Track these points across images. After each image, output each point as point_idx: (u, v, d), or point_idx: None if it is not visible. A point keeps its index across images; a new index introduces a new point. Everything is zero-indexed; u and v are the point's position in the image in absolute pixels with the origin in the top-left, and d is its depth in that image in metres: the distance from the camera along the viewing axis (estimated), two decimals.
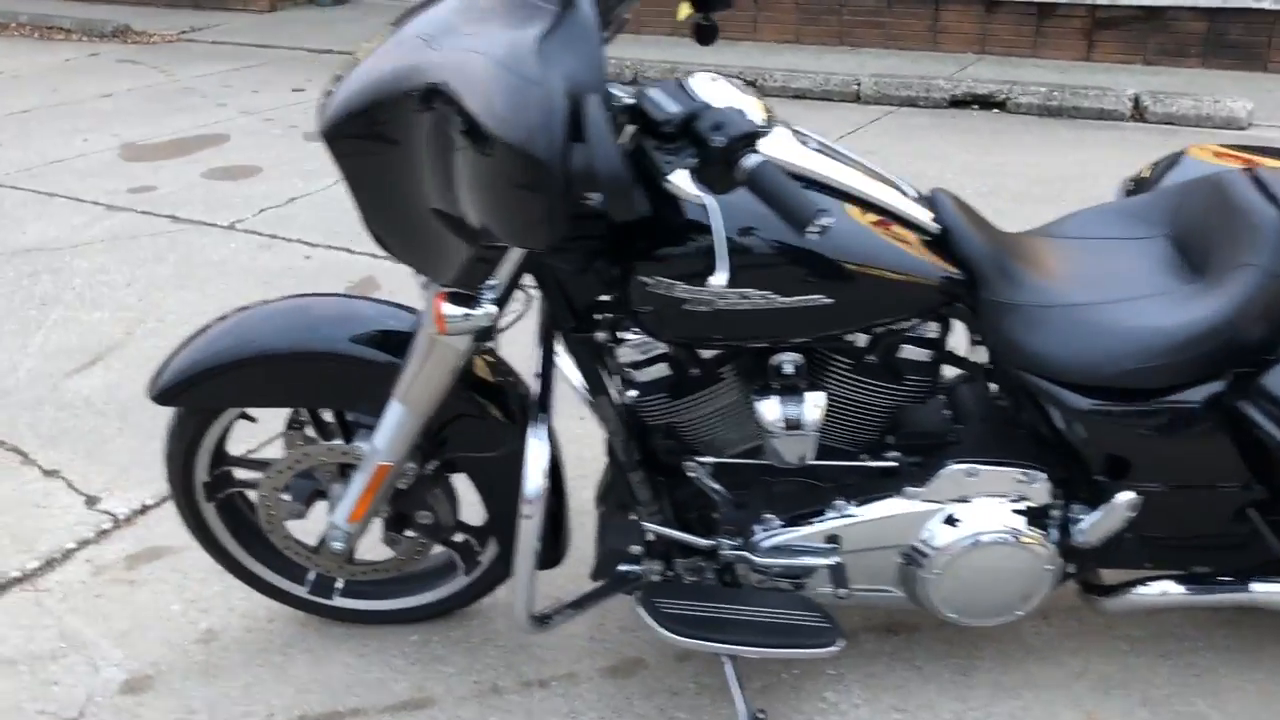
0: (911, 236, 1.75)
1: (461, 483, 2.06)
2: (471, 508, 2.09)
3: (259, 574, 2.21)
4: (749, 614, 1.92)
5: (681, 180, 1.42)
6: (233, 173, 5.29)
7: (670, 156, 1.43)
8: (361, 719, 2.05)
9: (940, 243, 1.79)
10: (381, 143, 1.55)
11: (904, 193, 1.81)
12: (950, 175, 4.87)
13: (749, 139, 1.40)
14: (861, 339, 1.82)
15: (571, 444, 2.26)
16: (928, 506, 1.89)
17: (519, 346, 2.03)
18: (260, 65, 7.69)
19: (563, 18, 1.39)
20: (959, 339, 1.89)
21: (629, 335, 1.81)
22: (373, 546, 2.15)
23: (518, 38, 1.38)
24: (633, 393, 1.85)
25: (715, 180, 1.42)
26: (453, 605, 2.24)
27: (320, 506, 2.09)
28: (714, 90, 1.53)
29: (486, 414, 1.96)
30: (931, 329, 1.85)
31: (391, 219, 1.64)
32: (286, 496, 2.07)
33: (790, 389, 1.81)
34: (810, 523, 1.92)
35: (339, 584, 2.23)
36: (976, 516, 1.88)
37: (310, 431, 2.07)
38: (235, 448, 2.15)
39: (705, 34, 1.88)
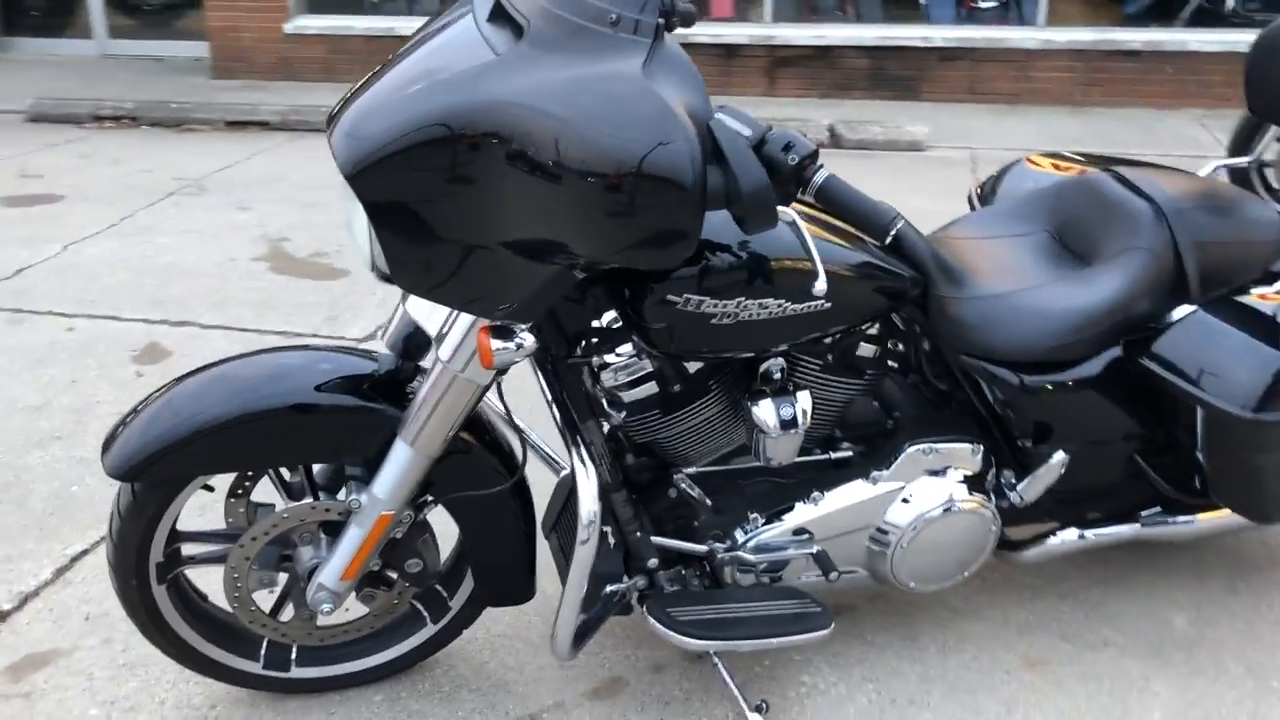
0: (874, 242, 1.94)
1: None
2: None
3: (210, 656, 2.04)
4: (750, 610, 2.02)
5: None
6: None
7: None
8: None
9: (892, 246, 1.99)
10: (435, 179, 1.50)
11: None
12: None
13: (814, 156, 1.53)
14: (829, 340, 1.99)
15: None
16: (892, 487, 2.08)
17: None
18: None
19: (655, 48, 1.45)
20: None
21: (612, 359, 1.88)
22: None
23: (622, 69, 1.42)
24: (620, 414, 1.91)
25: (783, 197, 1.54)
26: (417, 658, 2.18)
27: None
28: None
29: (473, 450, 1.95)
30: (876, 326, 2.04)
31: (431, 256, 1.58)
32: (254, 566, 1.94)
33: (779, 392, 1.94)
34: (788, 519, 2.06)
35: (293, 654, 2.11)
36: (930, 492, 2.09)
37: (255, 497, 1.97)
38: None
39: None
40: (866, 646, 2.29)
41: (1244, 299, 2.12)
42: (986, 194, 2.49)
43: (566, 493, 2.14)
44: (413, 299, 1.91)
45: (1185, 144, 6.27)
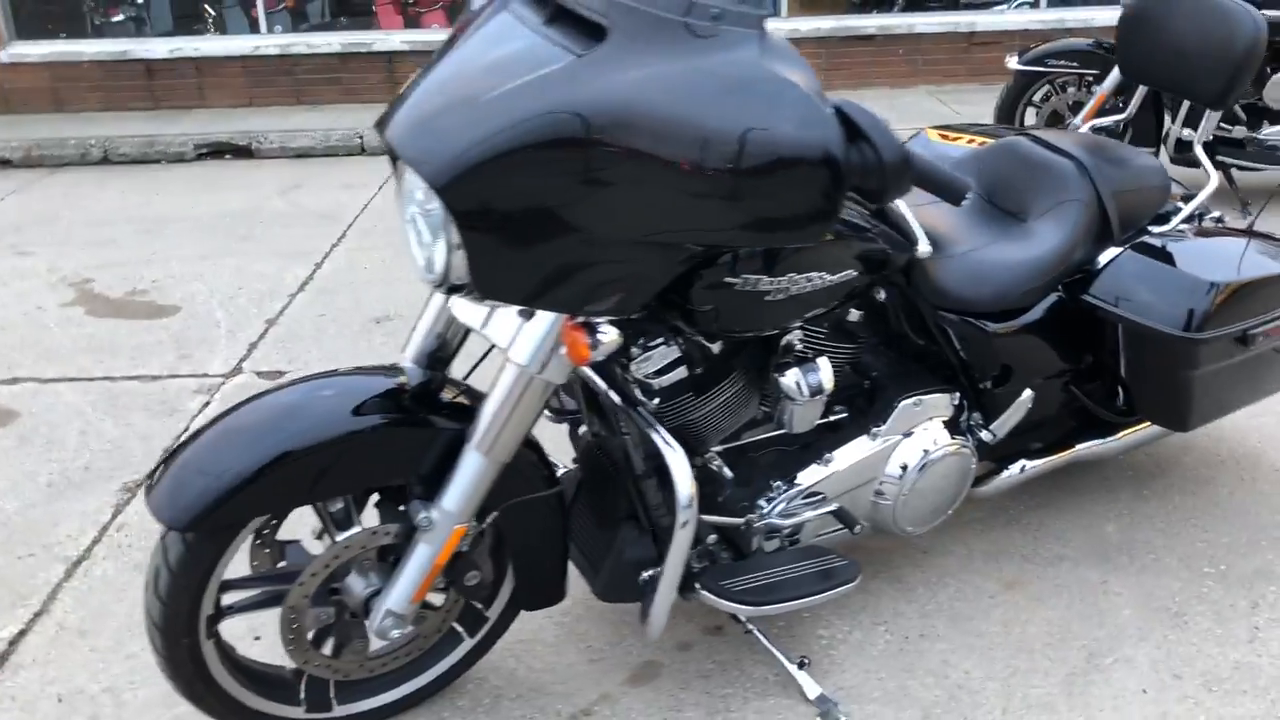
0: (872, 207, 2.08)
1: None
2: None
3: (256, 709, 1.93)
4: (785, 573, 2.13)
5: None
6: None
7: None
8: None
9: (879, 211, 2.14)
10: (542, 183, 1.49)
11: None
12: None
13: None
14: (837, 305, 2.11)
15: None
16: (891, 439, 2.24)
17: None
18: None
19: (763, 39, 1.51)
20: None
21: (636, 350, 1.93)
22: None
23: (739, 58, 1.47)
24: (655, 400, 1.97)
25: None
26: (454, 676, 2.14)
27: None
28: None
29: (525, 454, 1.94)
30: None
31: (532, 261, 1.56)
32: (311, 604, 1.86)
33: (800, 360, 2.05)
34: (805, 482, 2.17)
35: (331, 692, 2.03)
36: (922, 440, 2.27)
37: (280, 536, 1.89)
38: None
39: None
40: (865, 595, 2.44)
41: (1153, 238, 2.42)
42: None
43: (573, 493, 2.17)
44: (453, 308, 1.88)
45: (928, 116, 6.84)
